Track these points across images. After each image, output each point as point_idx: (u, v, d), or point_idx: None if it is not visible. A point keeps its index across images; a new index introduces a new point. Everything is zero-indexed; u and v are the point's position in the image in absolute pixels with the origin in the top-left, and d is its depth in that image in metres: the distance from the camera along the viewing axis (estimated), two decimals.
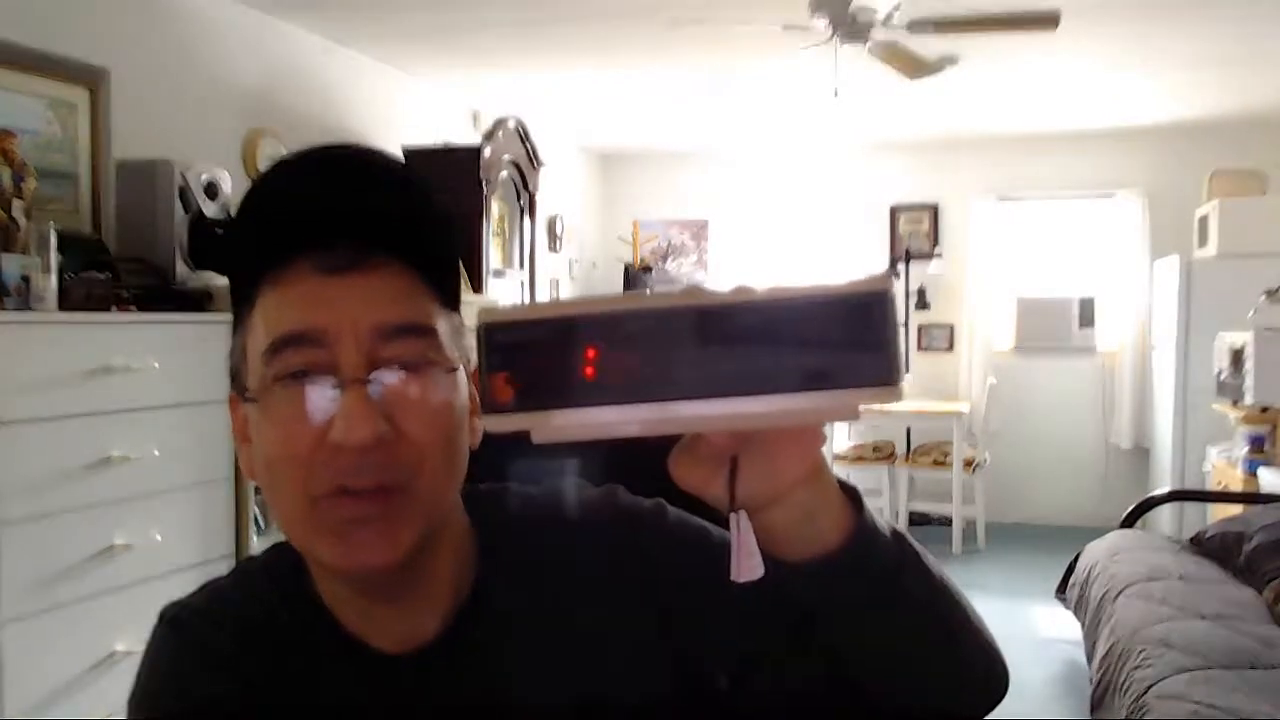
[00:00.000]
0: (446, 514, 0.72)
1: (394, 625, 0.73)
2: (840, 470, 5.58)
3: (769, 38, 3.64)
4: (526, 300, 4.91)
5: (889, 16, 3.39)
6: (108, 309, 2.46)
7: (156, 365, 2.46)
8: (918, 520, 6.03)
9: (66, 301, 2.36)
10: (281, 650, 0.73)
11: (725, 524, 0.59)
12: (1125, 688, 2.49)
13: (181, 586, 0.80)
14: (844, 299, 0.50)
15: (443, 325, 0.70)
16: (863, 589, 0.62)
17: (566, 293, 6.20)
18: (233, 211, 2.93)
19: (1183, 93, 5.05)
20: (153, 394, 2.46)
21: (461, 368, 0.71)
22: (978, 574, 5.04)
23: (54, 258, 2.33)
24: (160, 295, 2.71)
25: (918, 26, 3.42)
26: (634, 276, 6.45)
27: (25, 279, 2.27)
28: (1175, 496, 4.51)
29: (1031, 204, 6.33)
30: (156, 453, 2.46)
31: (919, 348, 6.50)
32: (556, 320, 0.51)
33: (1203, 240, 5.31)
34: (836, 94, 3.93)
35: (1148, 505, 4.11)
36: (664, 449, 0.59)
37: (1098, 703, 2.72)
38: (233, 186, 3.05)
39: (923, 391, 6.22)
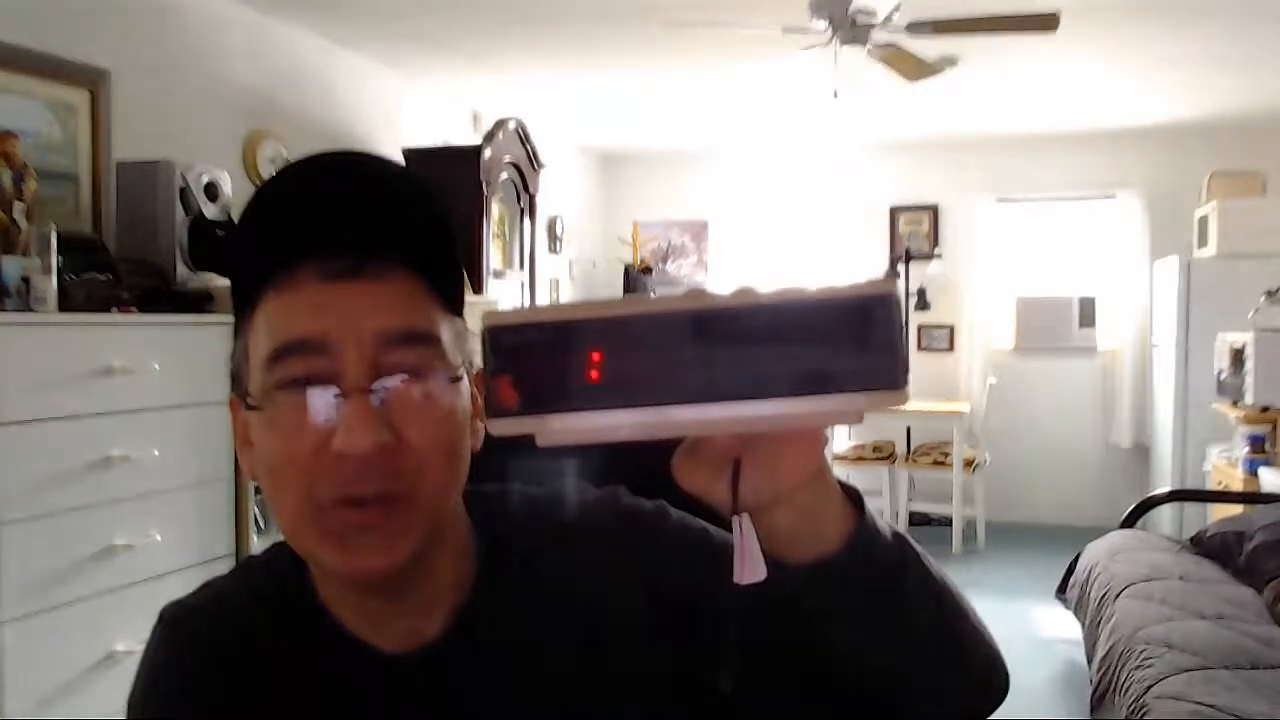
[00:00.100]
0: (448, 517, 0.73)
1: (395, 625, 0.73)
2: (840, 470, 5.58)
3: (769, 39, 3.64)
4: (527, 301, 4.91)
5: (888, 18, 3.39)
6: (108, 310, 2.46)
7: (157, 366, 2.46)
8: (918, 520, 6.02)
9: (67, 303, 2.36)
10: (282, 650, 0.73)
11: (725, 526, 0.59)
12: (1125, 688, 2.49)
13: (181, 586, 0.80)
14: (848, 302, 0.50)
15: (446, 331, 0.70)
16: (863, 591, 0.62)
17: (567, 294, 6.19)
18: (233, 213, 2.96)
19: (1183, 93, 5.04)
20: (153, 395, 2.46)
21: (464, 373, 0.71)
22: (978, 574, 5.04)
23: (54, 259, 2.33)
24: (160, 296, 2.70)
25: (917, 28, 3.42)
26: (634, 277, 6.45)
27: (26, 280, 2.27)
28: (1175, 496, 4.51)
29: (1031, 204, 6.32)
30: (156, 453, 2.46)
31: (919, 348, 6.50)
32: (561, 324, 0.51)
33: (1202, 241, 5.31)
34: (836, 95, 3.93)
35: (1148, 505, 4.11)
36: (666, 451, 0.59)
37: (1098, 703, 2.72)
38: (233, 188, 3.05)
39: (923, 391, 6.21)
